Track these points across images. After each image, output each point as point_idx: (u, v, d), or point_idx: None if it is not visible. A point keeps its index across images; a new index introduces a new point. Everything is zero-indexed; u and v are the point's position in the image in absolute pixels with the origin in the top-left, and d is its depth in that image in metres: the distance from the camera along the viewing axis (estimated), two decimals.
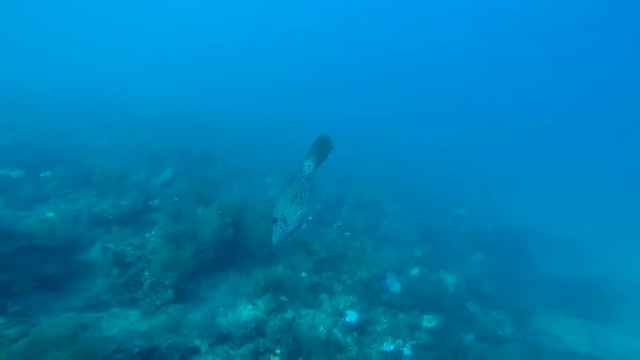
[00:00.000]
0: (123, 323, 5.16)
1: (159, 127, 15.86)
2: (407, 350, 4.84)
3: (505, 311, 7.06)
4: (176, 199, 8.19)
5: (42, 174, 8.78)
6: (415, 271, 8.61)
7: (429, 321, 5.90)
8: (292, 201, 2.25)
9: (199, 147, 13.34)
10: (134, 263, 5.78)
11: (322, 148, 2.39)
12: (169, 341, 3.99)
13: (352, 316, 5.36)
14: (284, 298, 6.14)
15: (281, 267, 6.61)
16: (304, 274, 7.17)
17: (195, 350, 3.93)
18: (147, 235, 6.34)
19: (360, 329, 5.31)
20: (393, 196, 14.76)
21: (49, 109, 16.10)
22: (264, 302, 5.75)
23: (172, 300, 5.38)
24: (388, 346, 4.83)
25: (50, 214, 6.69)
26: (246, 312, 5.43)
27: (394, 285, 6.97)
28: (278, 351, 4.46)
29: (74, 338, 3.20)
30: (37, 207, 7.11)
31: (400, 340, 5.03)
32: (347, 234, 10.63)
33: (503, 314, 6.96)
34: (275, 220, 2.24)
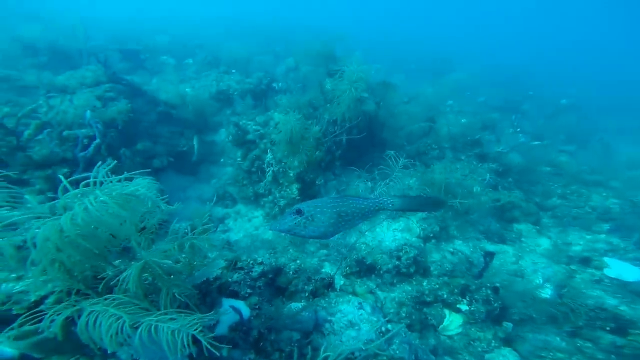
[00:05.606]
0: (247, 226, 4.44)
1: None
2: None
3: None
4: (299, 85, 7.16)
5: (185, 61, 9.66)
6: None
7: None
8: (339, 215, 1.85)
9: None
10: (256, 143, 4.73)
11: (425, 206, 1.93)
12: (298, 262, 2.55)
13: (622, 270, 2.67)
14: (449, 221, 3.94)
15: (439, 172, 4.17)
16: (476, 188, 4.59)
17: (329, 283, 2.38)
18: (271, 112, 5.11)
19: None
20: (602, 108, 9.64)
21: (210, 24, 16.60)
22: (418, 222, 3.75)
23: (297, 200, 4.24)
24: None
25: (189, 89, 6.83)
26: (390, 233, 3.60)
27: None
28: (465, 307, 2.49)
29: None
30: (180, 85, 7.26)
31: None
32: (536, 143, 7.04)
33: None
34: (299, 212, 1.85)
